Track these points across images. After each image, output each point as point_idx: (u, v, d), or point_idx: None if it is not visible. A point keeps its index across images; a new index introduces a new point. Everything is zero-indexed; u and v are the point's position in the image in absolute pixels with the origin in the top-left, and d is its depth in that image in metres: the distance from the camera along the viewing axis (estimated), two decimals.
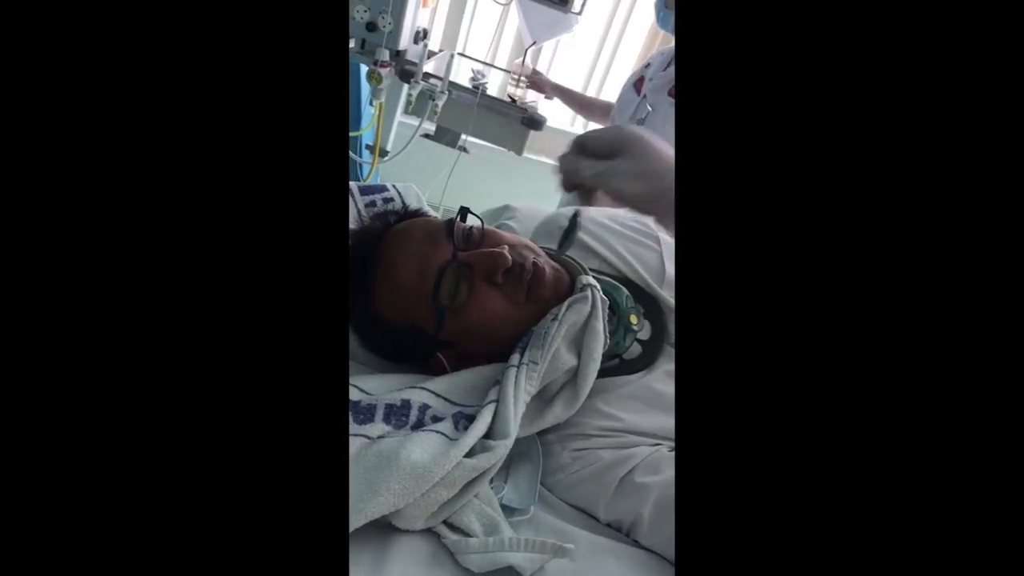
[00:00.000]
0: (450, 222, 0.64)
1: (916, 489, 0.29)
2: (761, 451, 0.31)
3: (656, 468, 0.57)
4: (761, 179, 0.32)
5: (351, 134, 1.44)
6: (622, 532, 0.58)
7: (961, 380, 0.29)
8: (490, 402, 0.55)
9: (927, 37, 0.30)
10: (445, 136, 1.64)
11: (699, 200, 0.33)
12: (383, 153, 1.56)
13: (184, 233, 0.32)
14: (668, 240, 0.73)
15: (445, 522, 0.51)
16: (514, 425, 0.54)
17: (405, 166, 1.54)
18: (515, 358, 0.58)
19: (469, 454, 0.51)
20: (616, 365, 0.64)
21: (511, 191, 1.47)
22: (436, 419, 0.55)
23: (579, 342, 0.60)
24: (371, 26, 1.36)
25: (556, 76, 1.97)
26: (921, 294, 0.30)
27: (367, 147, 1.56)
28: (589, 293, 0.60)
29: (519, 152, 1.53)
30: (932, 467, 0.29)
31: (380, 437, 0.51)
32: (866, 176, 0.31)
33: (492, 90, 1.53)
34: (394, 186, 0.93)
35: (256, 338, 0.32)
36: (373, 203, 0.87)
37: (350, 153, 1.49)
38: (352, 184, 0.89)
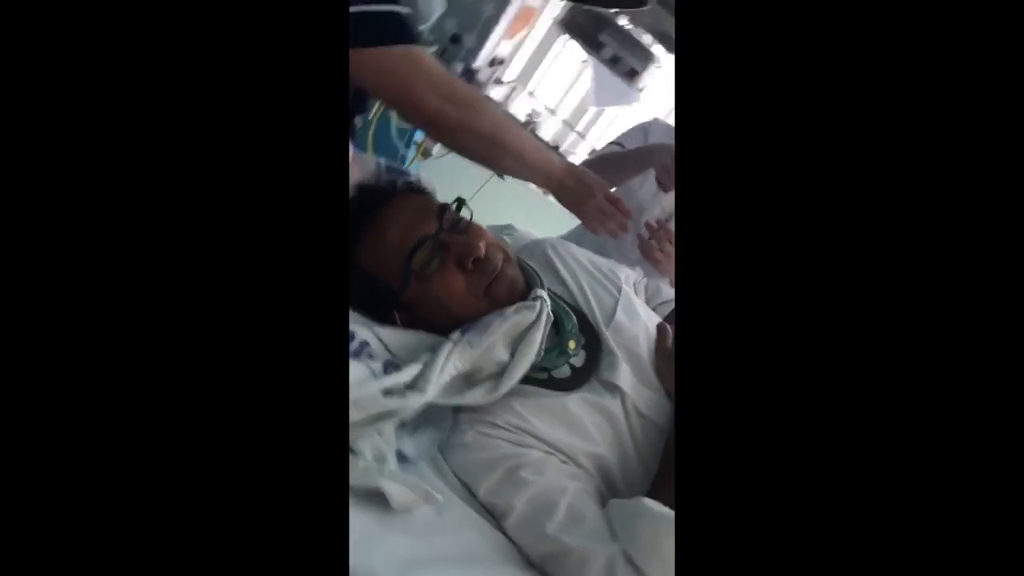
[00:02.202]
0: (444, 206, 0.72)
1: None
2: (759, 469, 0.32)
3: (542, 471, 0.63)
4: (763, 184, 0.33)
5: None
6: (493, 516, 0.64)
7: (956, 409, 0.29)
8: (419, 362, 0.62)
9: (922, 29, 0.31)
10: None
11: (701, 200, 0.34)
12: (427, 153, 1.67)
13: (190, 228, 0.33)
14: (628, 292, 0.80)
15: None
16: (433, 387, 0.61)
17: (442, 175, 1.64)
18: (455, 336, 0.65)
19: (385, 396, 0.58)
20: (544, 379, 0.71)
21: (531, 223, 1.55)
22: (370, 357, 0.62)
23: (516, 344, 0.67)
24: (456, 38, 1.48)
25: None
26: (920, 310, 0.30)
27: (415, 143, 1.67)
28: (538, 304, 0.68)
29: None
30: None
31: None
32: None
33: (546, 136, 1.64)
34: (418, 174, 1.02)
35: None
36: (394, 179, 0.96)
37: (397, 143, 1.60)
38: (382, 160, 0.99)
